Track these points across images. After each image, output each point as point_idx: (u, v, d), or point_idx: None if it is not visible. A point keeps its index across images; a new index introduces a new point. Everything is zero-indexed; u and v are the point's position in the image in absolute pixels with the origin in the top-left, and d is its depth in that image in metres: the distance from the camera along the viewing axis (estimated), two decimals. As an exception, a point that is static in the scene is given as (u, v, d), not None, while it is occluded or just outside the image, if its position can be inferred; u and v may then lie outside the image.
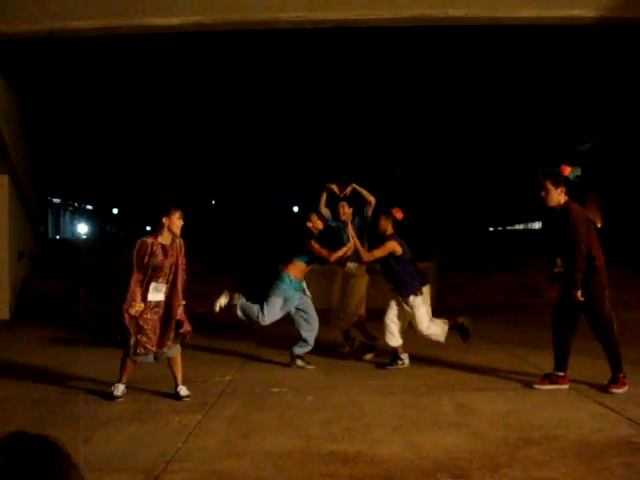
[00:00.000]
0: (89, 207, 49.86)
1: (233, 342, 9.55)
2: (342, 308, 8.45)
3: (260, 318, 7.57)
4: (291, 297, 7.61)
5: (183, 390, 6.32)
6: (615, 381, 6.20)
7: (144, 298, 6.14)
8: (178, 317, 6.25)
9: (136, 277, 6.11)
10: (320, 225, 7.80)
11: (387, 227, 7.67)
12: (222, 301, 7.70)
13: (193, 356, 8.44)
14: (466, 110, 24.59)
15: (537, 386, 6.36)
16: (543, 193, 6.35)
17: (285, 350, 8.03)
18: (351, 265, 8.34)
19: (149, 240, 6.16)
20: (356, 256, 8.09)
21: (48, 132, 20.11)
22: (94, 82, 20.96)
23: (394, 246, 7.52)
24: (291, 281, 7.61)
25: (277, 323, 7.94)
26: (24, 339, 10.46)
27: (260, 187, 37.25)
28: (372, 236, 8.31)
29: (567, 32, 14.77)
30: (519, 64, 20.80)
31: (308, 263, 7.75)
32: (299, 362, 7.72)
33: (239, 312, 7.66)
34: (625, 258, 15.31)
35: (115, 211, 47.71)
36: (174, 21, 11.01)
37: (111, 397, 6.24)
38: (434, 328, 7.52)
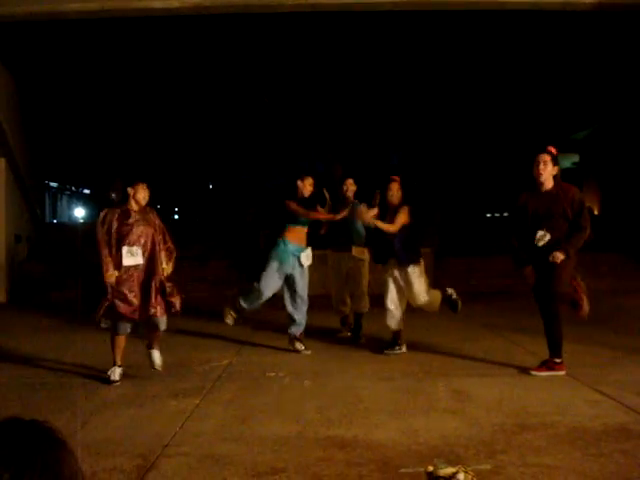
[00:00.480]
0: (86, 191, 49.77)
1: (229, 327, 9.54)
2: (357, 293, 8.32)
3: (260, 289, 7.53)
4: (286, 260, 7.53)
5: (156, 355, 6.37)
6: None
7: (119, 265, 6.27)
8: (161, 277, 6.30)
9: (103, 248, 6.28)
10: (307, 191, 7.68)
11: (400, 195, 7.53)
12: (230, 320, 7.72)
13: (190, 340, 8.46)
14: (463, 97, 24.52)
15: (534, 372, 6.36)
16: (542, 166, 6.23)
17: (281, 335, 8.02)
18: (358, 249, 8.28)
19: (116, 208, 6.42)
20: (358, 239, 8.09)
21: (46, 115, 20.02)
22: (92, 65, 20.84)
23: (409, 211, 7.45)
24: (285, 244, 7.55)
25: (274, 307, 7.90)
26: (21, 323, 10.46)
27: (257, 171, 37.19)
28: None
29: (565, 19, 14.72)
30: (516, 51, 20.71)
31: (303, 224, 7.68)
32: (297, 345, 7.67)
33: (244, 305, 7.67)
34: (622, 245, 15.33)
35: (113, 195, 47.62)
36: (173, 4, 10.94)
37: (108, 382, 6.25)
38: (428, 297, 7.46)
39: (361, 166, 25.42)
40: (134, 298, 6.23)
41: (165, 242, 6.51)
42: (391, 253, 7.43)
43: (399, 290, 7.46)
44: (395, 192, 7.50)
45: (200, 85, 24.08)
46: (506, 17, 15.08)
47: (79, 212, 45.27)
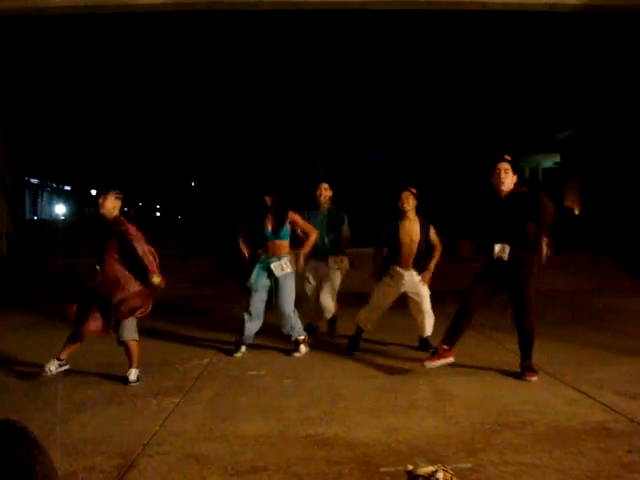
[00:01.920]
0: (67, 188, 49.47)
1: (211, 325, 9.52)
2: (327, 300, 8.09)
3: (248, 314, 7.41)
4: (259, 275, 7.42)
5: (130, 375, 6.25)
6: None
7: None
8: (114, 303, 6.16)
9: None
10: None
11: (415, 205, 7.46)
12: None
13: (170, 339, 8.42)
14: (447, 96, 24.61)
15: (529, 378, 6.19)
16: (503, 174, 6.19)
17: (262, 334, 7.96)
18: (334, 258, 8.01)
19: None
20: (335, 247, 8.01)
21: (26, 111, 19.86)
22: (73, 62, 20.71)
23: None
24: (258, 259, 7.49)
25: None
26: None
27: (240, 169, 37.12)
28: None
29: (547, 20, 14.80)
30: (499, 51, 20.83)
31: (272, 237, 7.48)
32: (300, 348, 7.49)
33: (244, 337, 7.49)
34: (603, 245, 15.43)
35: (94, 192, 47.38)
36: (157, 0, 10.89)
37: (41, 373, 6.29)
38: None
39: (344, 163, 25.41)
40: (93, 307, 6.25)
41: (139, 258, 6.21)
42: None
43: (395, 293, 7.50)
44: (410, 201, 7.39)
45: (183, 82, 23.99)
46: (490, 18, 15.14)
47: (60, 209, 44.97)
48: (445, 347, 6.36)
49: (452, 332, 6.41)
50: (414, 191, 7.45)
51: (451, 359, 6.36)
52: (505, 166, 6.21)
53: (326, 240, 7.96)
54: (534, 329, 6.22)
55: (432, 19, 16.68)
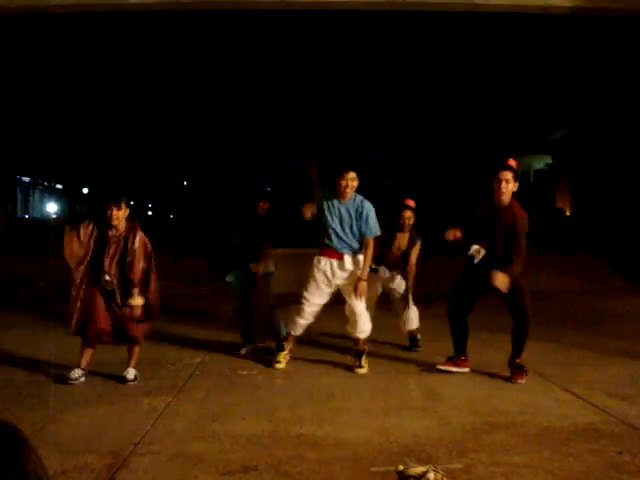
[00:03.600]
0: (59, 186, 49.33)
1: (203, 325, 9.51)
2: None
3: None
4: None
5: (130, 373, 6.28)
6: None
7: None
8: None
9: None
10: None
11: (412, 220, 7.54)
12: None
13: (162, 338, 8.39)
14: (439, 96, 24.64)
15: (519, 381, 6.16)
16: (504, 184, 5.99)
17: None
18: None
19: None
20: None
21: (17, 110, 19.79)
22: (64, 59, 20.65)
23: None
24: None
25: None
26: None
27: (232, 169, 37.06)
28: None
29: (540, 21, 14.84)
30: (492, 52, 20.87)
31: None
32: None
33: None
34: (593, 246, 15.50)
35: (85, 190, 47.27)
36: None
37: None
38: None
39: (337, 163, 25.38)
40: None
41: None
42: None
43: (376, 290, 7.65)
44: (406, 216, 7.52)
45: (175, 81, 23.94)
46: (483, 20, 15.17)
47: (51, 207, 44.87)
48: (463, 358, 6.50)
49: (458, 342, 6.55)
50: (413, 206, 7.60)
51: (467, 369, 6.48)
52: (507, 176, 6.00)
53: None
54: (530, 324, 6.24)
55: (425, 20, 16.71)
